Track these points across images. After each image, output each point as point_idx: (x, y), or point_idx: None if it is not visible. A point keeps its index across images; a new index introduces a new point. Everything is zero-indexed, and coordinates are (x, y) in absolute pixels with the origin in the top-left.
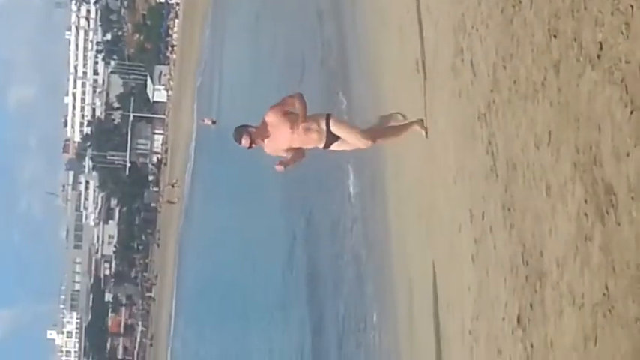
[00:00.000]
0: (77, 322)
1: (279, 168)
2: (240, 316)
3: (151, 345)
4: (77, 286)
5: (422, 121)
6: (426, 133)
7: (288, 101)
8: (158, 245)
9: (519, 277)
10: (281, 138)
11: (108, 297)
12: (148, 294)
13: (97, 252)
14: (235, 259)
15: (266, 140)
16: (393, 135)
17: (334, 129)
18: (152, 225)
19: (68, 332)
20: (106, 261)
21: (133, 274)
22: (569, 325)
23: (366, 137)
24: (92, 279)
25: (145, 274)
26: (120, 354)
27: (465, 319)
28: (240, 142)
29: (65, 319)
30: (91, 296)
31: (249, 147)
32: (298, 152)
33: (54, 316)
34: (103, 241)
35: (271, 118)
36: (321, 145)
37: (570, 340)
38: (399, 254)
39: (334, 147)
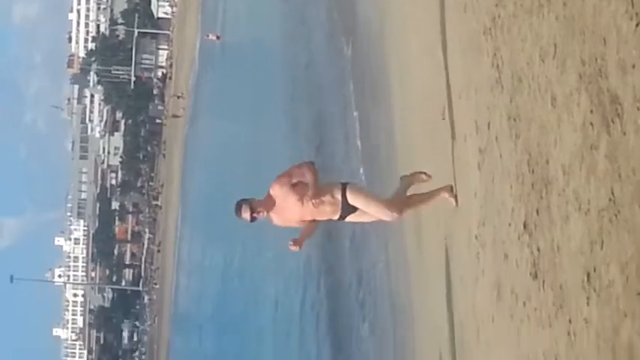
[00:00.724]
0: (84, 230)
1: (294, 248)
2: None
3: (159, 251)
4: (84, 195)
5: (451, 187)
6: (456, 200)
7: (296, 172)
8: (164, 156)
9: (525, 185)
10: (289, 211)
11: (114, 205)
12: (154, 202)
13: (102, 162)
14: (240, 168)
15: (272, 213)
16: (421, 203)
17: (352, 200)
18: (157, 137)
19: (75, 239)
20: (112, 171)
21: (139, 184)
22: (576, 230)
23: (391, 208)
24: (98, 188)
25: (150, 183)
26: (127, 260)
27: (472, 225)
28: (240, 216)
29: (72, 227)
30: (98, 205)
31: (252, 219)
32: (311, 225)
33: (61, 224)
34: (108, 152)
35: (277, 191)
36: (336, 217)
37: (577, 245)
38: (404, 163)
39: (351, 218)
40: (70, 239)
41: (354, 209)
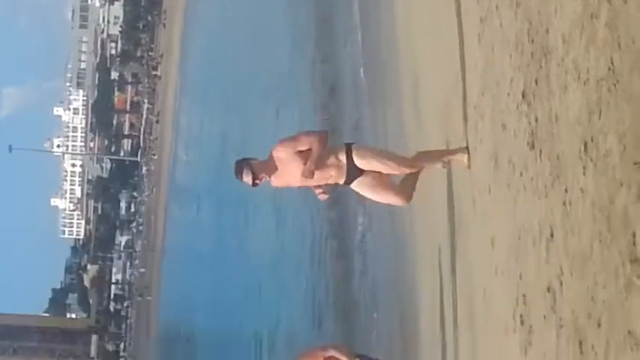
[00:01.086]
0: (83, 100)
1: (324, 197)
2: (244, 95)
3: (157, 122)
4: (83, 65)
5: (467, 149)
6: (469, 163)
7: (304, 140)
8: (164, 25)
9: (525, 54)
10: (291, 176)
11: (114, 75)
12: (153, 72)
13: (102, 32)
14: (240, 38)
15: (273, 176)
16: (435, 157)
17: (359, 161)
18: (158, 6)
19: (75, 109)
20: (111, 41)
21: (138, 54)
22: (574, 100)
23: (402, 164)
24: (98, 58)
25: (150, 53)
26: (126, 130)
27: (471, 95)
28: (241, 179)
29: (72, 97)
30: (97, 74)
31: (254, 184)
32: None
33: (60, 94)
34: (108, 22)
35: (281, 154)
36: (342, 181)
37: (575, 115)
38: (406, 50)
39: (359, 190)
40: (69, 109)
41: (360, 172)
